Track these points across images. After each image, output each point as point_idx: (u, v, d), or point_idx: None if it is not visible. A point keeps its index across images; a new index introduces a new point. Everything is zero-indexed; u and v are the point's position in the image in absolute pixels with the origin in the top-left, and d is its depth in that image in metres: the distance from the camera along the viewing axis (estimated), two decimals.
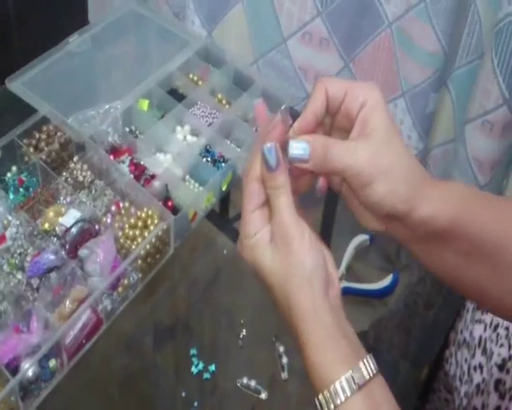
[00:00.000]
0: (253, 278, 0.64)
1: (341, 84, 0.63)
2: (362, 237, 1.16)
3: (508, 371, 0.91)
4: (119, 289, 1.00)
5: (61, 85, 1.17)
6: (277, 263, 0.61)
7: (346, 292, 1.11)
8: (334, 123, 0.65)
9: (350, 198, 0.66)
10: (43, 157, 1.07)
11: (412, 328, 1.10)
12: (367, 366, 0.57)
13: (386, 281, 1.12)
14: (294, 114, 1.27)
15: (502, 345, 0.95)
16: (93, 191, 1.09)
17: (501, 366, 0.93)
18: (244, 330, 1.04)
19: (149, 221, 1.05)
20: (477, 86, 1.25)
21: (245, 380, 0.99)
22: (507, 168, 1.34)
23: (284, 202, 0.61)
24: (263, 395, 0.98)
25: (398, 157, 0.60)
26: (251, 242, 0.62)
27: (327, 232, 1.21)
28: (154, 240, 1.03)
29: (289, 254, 0.60)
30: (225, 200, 1.20)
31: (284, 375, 1.00)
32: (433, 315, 1.10)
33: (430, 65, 1.30)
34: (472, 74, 1.28)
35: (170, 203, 1.10)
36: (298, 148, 0.60)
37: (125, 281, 1.00)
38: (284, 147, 0.61)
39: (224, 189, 1.17)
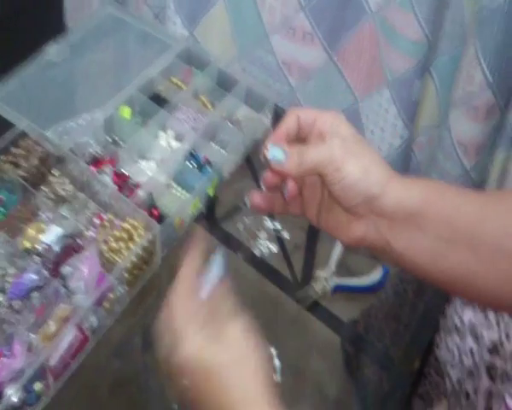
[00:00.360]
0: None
1: (311, 111, 0.66)
2: None
3: (499, 355, 0.88)
4: (106, 304, 0.94)
5: (38, 97, 1.11)
6: (206, 353, 0.62)
7: (338, 289, 1.05)
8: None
9: (327, 218, 0.67)
10: (22, 173, 1.01)
11: (402, 316, 1.06)
12: None
13: (376, 275, 1.07)
14: (280, 112, 1.21)
15: (492, 329, 0.90)
16: (75, 205, 1.02)
17: (492, 350, 0.89)
18: None
19: (134, 232, 0.99)
20: (460, 72, 1.21)
21: None
22: (491, 151, 1.30)
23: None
24: None
25: (367, 148, 0.63)
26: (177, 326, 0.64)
27: (314, 229, 1.14)
28: (139, 251, 0.97)
29: (226, 351, 0.63)
30: (212, 200, 1.13)
31: (276, 377, 0.95)
32: (424, 302, 1.06)
33: (414, 53, 1.26)
34: (455, 60, 1.24)
35: (155, 212, 1.04)
36: (276, 151, 0.62)
37: (111, 295, 0.94)
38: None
39: (210, 193, 1.11)
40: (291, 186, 0.65)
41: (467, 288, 0.62)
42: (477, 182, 1.34)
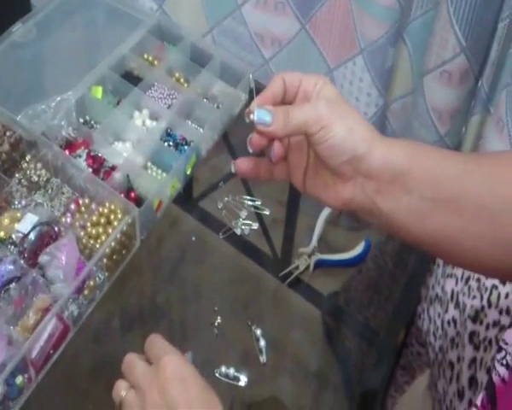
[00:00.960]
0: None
1: (296, 74, 0.66)
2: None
3: (481, 323, 0.87)
4: (85, 291, 0.90)
5: (7, 80, 1.04)
6: None
7: (319, 264, 1.02)
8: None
9: (313, 182, 0.66)
10: None
11: (383, 287, 1.04)
12: None
13: (358, 249, 1.04)
14: (256, 86, 1.15)
15: (474, 297, 0.90)
16: (49, 191, 0.97)
17: (474, 318, 0.89)
18: (219, 318, 0.95)
19: (112, 216, 0.95)
20: (434, 36, 1.18)
21: (223, 369, 0.90)
22: (465, 117, 1.28)
23: None
24: (242, 383, 0.89)
25: (351, 109, 0.63)
26: None
27: (294, 203, 1.11)
28: (118, 236, 0.93)
29: None
30: (189, 179, 1.09)
31: (262, 358, 0.92)
32: (404, 273, 1.04)
33: (387, 19, 1.22)
34: (427, 25, 1.21)
35: (133, 195, 1.00)
36: (261, 112, 0.61)
37: (91, 282, 0.90)
38: None
39: (188, 172, 1.06)
40: (277, 147, 0.63)
41: (452, 250, 0.62)
42: (452, 148, 1.31)
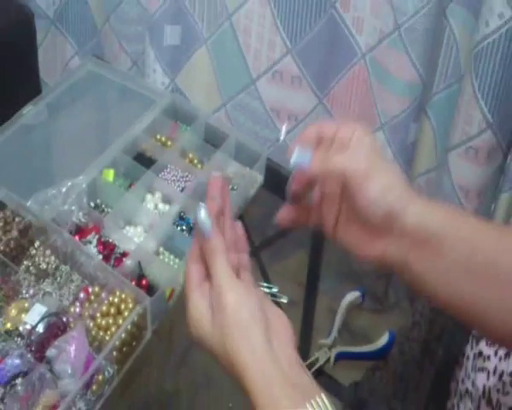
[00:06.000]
0: None
1: (332, 123, 0.69)
2: (353, 295, 1.09)
3: None
4: (94, 386, 0.92)
5: (17, 164, 1.10)
6: (215, 326, 0.61)
7: (341, 357, 1.04)
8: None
9: (345, 232, 0.69)
10: (1, 248, 0.99)
11: (410, 377, 1.04)
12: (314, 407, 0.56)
13: (382, 341, 1.05)
14: (270, 166, 1.19)
15: (508, 393, 0.88)
16: (58, 279, 1.01)
17: None
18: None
19: (123, 306, 0.98)
20: (459, 112, 1.22)
21: None
22: (494, 194, 1.31)
23: (219, 263, 0.62)
24: None
25: (390, 164, 0.66)
26: (194, 319, 0.63)
27: (314, 282, 1.13)
28: (129, 327, 0.96)
29: (223, 311, 0.61)
30: None
31: None
32: (432, 363, 1.04)
33: (408, 94, 1.27)
34: (451, 99, 1.26)
35: (144, 282, 1.03)
36: (302, 152, 0.65)
37: (100, 377, 0.93)
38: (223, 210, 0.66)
39: None
40: (317, 192, 0.69)
41: (480, 319, 0.63)
42: None
